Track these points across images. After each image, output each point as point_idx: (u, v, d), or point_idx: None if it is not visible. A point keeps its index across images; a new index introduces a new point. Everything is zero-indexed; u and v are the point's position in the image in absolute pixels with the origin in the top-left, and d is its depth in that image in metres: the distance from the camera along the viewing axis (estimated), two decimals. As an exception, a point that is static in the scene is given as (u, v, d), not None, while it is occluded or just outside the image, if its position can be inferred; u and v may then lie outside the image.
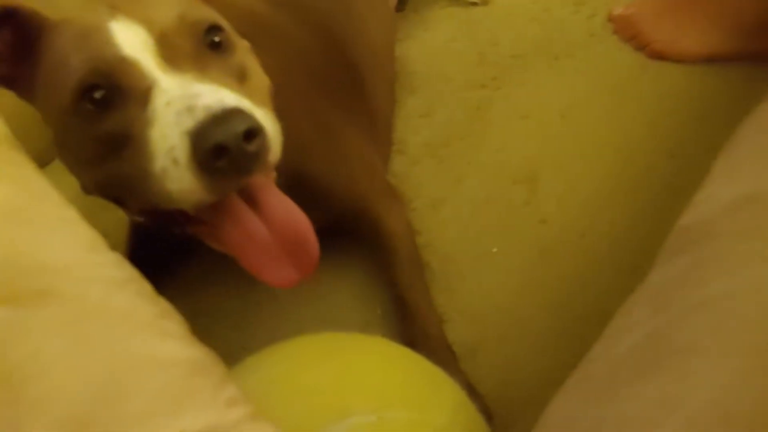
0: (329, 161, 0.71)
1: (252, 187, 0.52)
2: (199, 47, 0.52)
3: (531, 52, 0.98)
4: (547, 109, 0.91)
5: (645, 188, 0.80)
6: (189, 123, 0.45)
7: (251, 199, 0.52)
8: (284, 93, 0.58)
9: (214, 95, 0.46)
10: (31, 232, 0.35)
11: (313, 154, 0.69)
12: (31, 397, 0.29)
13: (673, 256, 0.43)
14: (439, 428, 0.48)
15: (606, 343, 0.42)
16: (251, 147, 0.46)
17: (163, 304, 0.38)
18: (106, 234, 0.45)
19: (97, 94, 0.49)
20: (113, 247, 0.43)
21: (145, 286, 0.38)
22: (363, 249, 0.79)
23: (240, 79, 0.53)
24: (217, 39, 0.53)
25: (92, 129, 0.50)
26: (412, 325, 0.70)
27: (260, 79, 0.57)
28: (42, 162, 0.49)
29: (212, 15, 0.55)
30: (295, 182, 0.56)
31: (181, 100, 0.46)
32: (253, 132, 0.46)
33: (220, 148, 0.44)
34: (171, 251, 0.77)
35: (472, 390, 0.65)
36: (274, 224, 0.51)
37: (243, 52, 0.56)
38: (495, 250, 0.78)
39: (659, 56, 0.92)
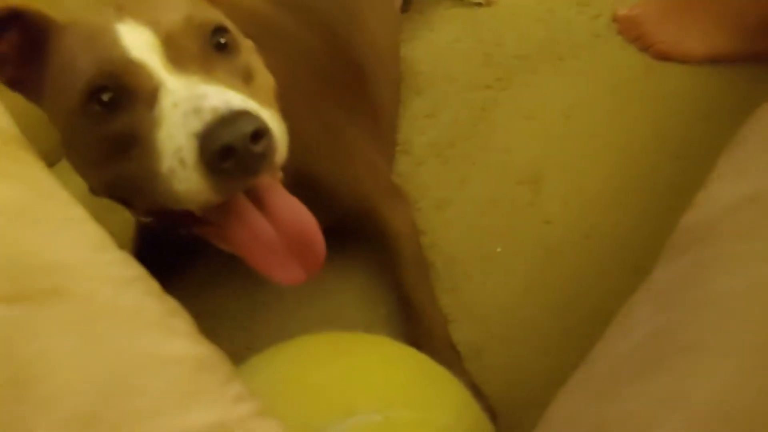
0: (334, 161, 0.71)
1: (258, 187, 0.52)
2: (206, 48, 0.52)
3: (536, 53, 0.98)
4: (552, 110, 0.91)
5: (649, 188, 0.80)
6: (196, 124, 0.45)
7: (257, 199, 0.52)
8: (289, 93, 0.59)
9: (221, 96, 0.47)
10: (40, 231, 0.36)
11: (318, 154, 0.69)
12: (40, 394, 0.29)
13: (675, 255, 0.43)
14: (443, 428, 0.48)
15: (609, 342, 0.42)
16: (258, 148, 0.46)
17: (170, 303, 0.38)
18: (112, 235, 0.45)
19: (105, 96, 0.49)
20: (119, 248, 0.43)
21: (153, 285, 0.39)
22: (368, 249, 0.79)
23: (246, 80, 0.54)
24: (223, 40, 0.53)
25: (100, 130, 0.50)
26: (416, 325, 0.71)
27: (266, 79, 0.57)
28: (48, 163, 0.49)
29: (218, 16, 0.55)
30: (300, 182, 0.56)
31: (188, 102, 0.47)
32: (260, 133, 0.46)
33: (227, 149, 0.45)
34: (177, 252, 0.77)
35: (476, 390, 0.66)
36: (280, 224, 0.51)
37: (248, 52, 0.57)
38: (499, 250, 0.79)
39: (664, 57, 0.92)
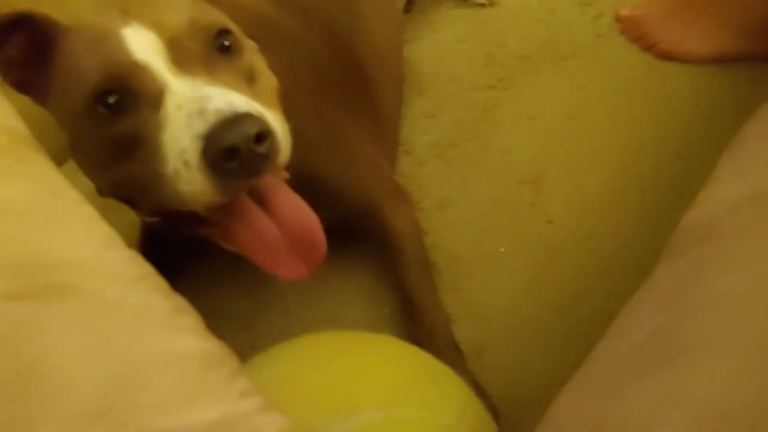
0: (336, 162, 0.72)
1: (262, 187, 0.52)
2: (209, 51, 0.52)
3: (538, 53, 0.98)
4: (554, 110, 0.91)
5: (651, 189, 0.81)
6: (200, 126, 0.46)
7: (261, 199, 0.52)
8: (292, 94, 0.59)
9: (224, 98, 0.47)
10: (49, 229, 0.36)
11: (320, 154, 0.69)
12: (47, 391, 0.30)
13: (676, 254, 0.44)
14: (446, 426, 0.49)
15: (610, 341, 0.42)
16: (261, 149, 0.46)
17: (177, 300, 0.39)
18: (117, 235, 0.46)
19: (111, 99, 0.50)
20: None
21: (160, 282, 0.39)
22: (371, 250, 0.79)
23: (249, 81, 0.54)
24: (226, 42, 0.54)
25: (105, 132, 0.51)
26: (419, 324, 0.71)
27: (269, 80, 0.57)
28: (55, 163, 0.50)
29: (222, 19, 0.56)
30: (303, 182, 0.56)
31: (192, 104, 0.47)
32: (263, 134, 0.46)
33: (231, 150, 0.45)
34: (181, 253, 0.78)
35: (479, 389, 0.66)
36: (283, 222, 0.52)
37: (251, 54, 0.57)
38: (502, 250, 0.79)
39: (666, 56, 0.92)
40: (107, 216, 0.47)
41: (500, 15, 1.05)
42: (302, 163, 0.55)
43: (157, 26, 0.51)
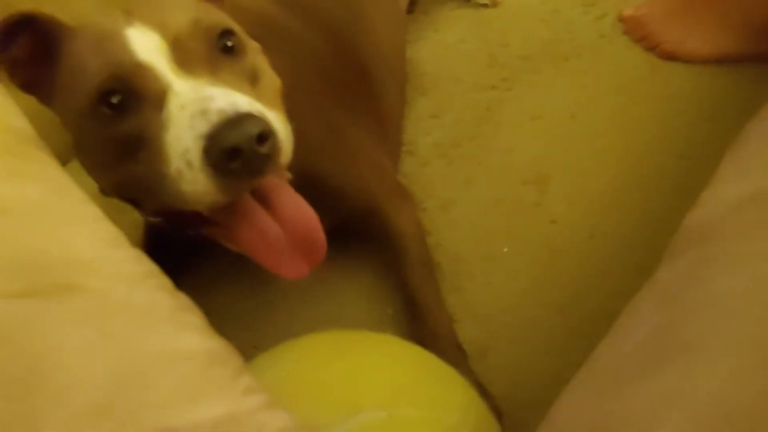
0: (338, 162, 0.72)
1: (264, 186, 0.53)
2: (212, 51, 0.53)
3: (540, 54, 0.98)
4: (557, 110, 0.91)
5: (655, 189, 0.81)
6: (203, 126, 0.46)
7: (263, 199, 0.53)
8: (294, 94, 0.59)
9: (227, 98, 0.47)
10: (55, 228, 0.36)
11: (323, 154, 0.69)
12: (56, 386, 0.30)
13: (678, 254, 0.44)
14: (449, 426, 0.49)
15: (612, 340, 0.42)
16: (263, 149, 0.47)
17: (181, 299, 0.39)
18: (121, 236, 0.46)
19: (114, 99, 0.50)
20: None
21: (165, 281, 0.39)
22: (374, 250, 0.79)
23: (252, 82, 0.54)
24: (229, 43, 0.54)
25: (109, 132, 0.51)
26: (422, 324, 0.71)
27: (271, 81, 0.58)
28: (60, 163, 0.50)
29: (225, 20, 0.56)
30: (305, 182, 0.56)
31: (195, 104, 0.47)
32: (265, 134, 0.47)
33: (234, 150, 0.45)
34: (185, 253, 0.78)
35: (482, 389, 0.66)
36: (285, 222, 0.52)
37: (254, 54, 0.57)
38: (506, 250, 0.79)
39: (669, 57, 0.92)
40: (111, 216, 0.47)
41: (503, 15, 1.05)
42: (305, 163, 0.56)
43: (160, 27, 0.51)
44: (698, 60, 0.90)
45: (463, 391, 0.54)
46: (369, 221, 0.74)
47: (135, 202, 0.58)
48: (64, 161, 0.55)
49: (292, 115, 0.55)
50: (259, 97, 0.51)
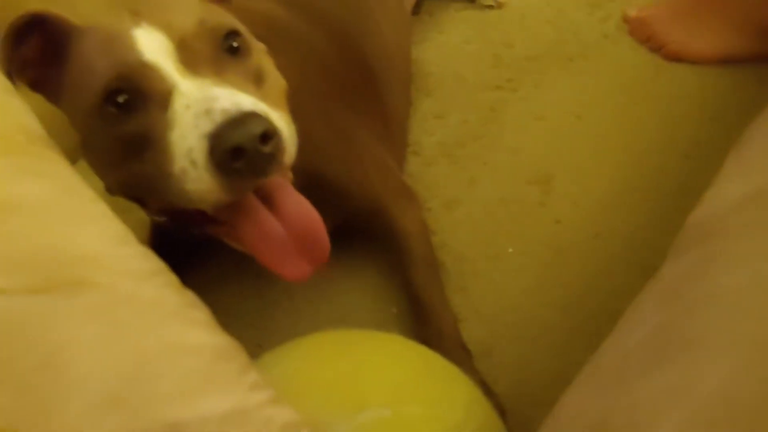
0: (343, 162, 0.72)
1: (268, 186, 0.53)
2: (218, 52, 0.53)
3: (545, 54, 0.98)
4: (562, 111, 0.91)
5: (659, 189, 0.81)
6: (207, 126, 0.46)
7: (267, 199, 0.53)
8: (299, 95, 0.59)
9: (231, 99, 0.48)
10: (66, 226, 0.37)
11: (328, 155, 0.70)
12: (69, 378, 0.31)
13: (682, 252, 0.44)
14: (453, 424, 0.49)
15: (616, 337, 0.42)
16: (267, 148, 0.47)
17: (188, 295, 0.40)
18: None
19: (121, 99, 0.50)
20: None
21: (172, 278, 0.40)
22: (378, 249, 0.80)
23: (257, 82, 0.55)
24: (235, 44, 0.54)
25: (115, 131, 0.52)
26: (426, 324, 0.71)
27: (277, 81, 0.58)
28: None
29: (231, 20, 0.56)
30: (310, 182, 0.57)
31: (200, 104, 0.48)
32: (269, 134, 0.47)
33: (237, 149, 0.46)
34: (190, 252, 0.78)
35: (486, 388, 0.66)
36: (289, 222, 0.52)
37: (260, 55, 0.58)
38: (510, 250, 0.79)
39: (675, 57, 0.92)
40: (116, 215, 0.48)
41: (508, 16, 1.05)
42: (310, 163, 0.56)
43: (166, 27, 0.52)
44: (703, 60, 0.90)
45: (467, 389, 0.54)
46: (374, 221, 0.75)
47: (140, 201, 0.58)
48: (71, 161, 0.56)
49: (297, 115, 0.56)
50: (263, 98, 0.52)
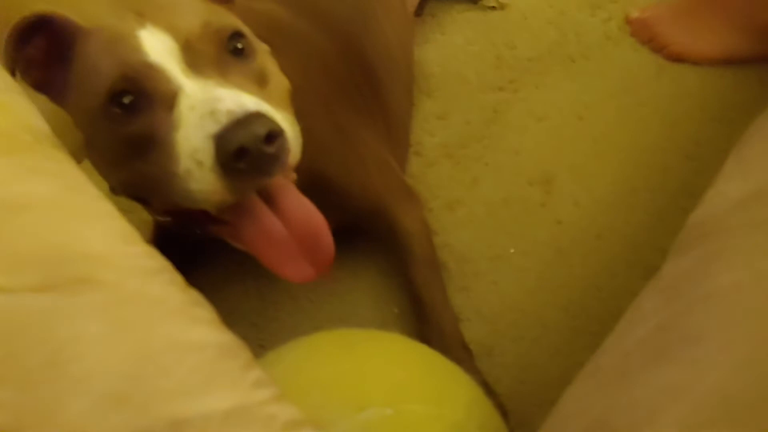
0: (345, 162, 0.72)
1: (271, 187, 0.53)
2: (222, 53, 0.53)
3: (547, 55, 0.99)
4: (564, 112, 0.91)
5: (661, 189, 0.81)
6: (212, 127, 0.47)
7: (270, 200, 0.53)
8: (302, 96, 0.60)
9: (236, 99, 0.48)
10: (72, 224, 0.37)
11: (330, 155, 0.70)
12: (75, 374, 0.31)
13: (683, 250, 0.44)
14: (454, 422, 0.49)
15: (617, 336, 0.43)
16: (271, 149, 0.47)
17: (193, 294, 0.40)
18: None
19: (126, 99, 0.51)
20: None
21: (177, 277, 0.40)
22: (380, 249, 0.80)
23: (260, 83, 0.55)
24: (239, 45, 0.55)
25: (120, 132, 0.52)
26: (428, 323, 0.71)
27: (280, 82, 0.58)
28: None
29: (235, 22, 0.57)
30: (313, 183, 0.57)
31: (205, 105, 0.48)
32: (273, 135, 0.47)
33: (242, 150, 0.46)
34: (193, 252, 0.79)
35: (487, 388, 0.66)
36: (292, 223, 0.52)
37: (264, 56, 0.58)
38: (512, 250, 0.79)
39: (677, 58, 0.92)
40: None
41: (510, 17, 1.05)
42: (312, 163, 0.56)
43: (171, 29, 0.52)
44: (705, 61, 0.90)
45: (468, 389, 0.55)
46: (375, 221, 0.75)
47: (144, 201, 0.58)
48: (76, 162, 0.56)
49: (300, 116, 0.56)
50: (267, 98, 0.52)
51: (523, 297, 0.75)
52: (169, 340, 0.34)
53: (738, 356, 0.32)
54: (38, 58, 0.56)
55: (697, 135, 0.84)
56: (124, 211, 0.50)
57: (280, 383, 0.41)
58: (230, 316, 0.51)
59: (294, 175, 0.56)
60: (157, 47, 0.51)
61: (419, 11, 1.06)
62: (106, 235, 0.38)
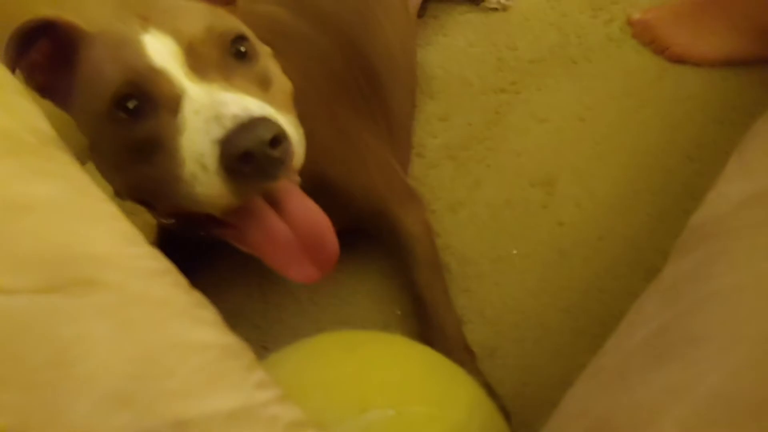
0: (348, 165, 0.73)
1: (275, 190, 0.53)
2: (225, 57, 0.54)
3: (549, 57, 0.99)
4: (566, 113, 0.91)
5: (663, 191, 0.81)
6: (217, 131, 0.47)
7: (275, 202, 0.54)
8: (305, 98, 0.60)
9: (240, 104, 0.48)
10: (77, 225, 0.38)
11: (333, 157, 0.70)
12: (80, 375, 0.32)
13: (684, 252, 0.44)
14: (456, 424, 0.49)
15: (619, 337, 0.43)
16: (276, 153, 0.47)
17: (196, 295, 0.40)
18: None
19: (130, 104, 0.51)
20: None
21: (180, 279, 0.41)
22: (383, 251, 0.80)
23: (264, 86, 0.55)
24: (242, 48, 0.55)
25: (125, 136, 0.52)
26: (430, 325, 0.72)
27: (283, 85, 0.58)
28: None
29: (238, 25, 0.57)
30: (316, 185, 0.57)
31: (209, 109, 0.48)
32: (278, 139, 0.48)
33: (247, 154, 0.46)
34: (196, 254, 0.79)
35: (489, 389, 0.66)
36: (296, 225, 0.53)
37: (266, 59, 0.58)
38: (514, 252, 0.79)
39: (679, 59, 0.92)
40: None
41: (512, 19, 1.05)
42: (314, 165, 0.57)
43: (175, 33, 0.52)
44: (707, 63, 0.90)
45: (470, 390, 0.55)
46: (378, 223, 0.75)
47: (149, 204, 0.59)
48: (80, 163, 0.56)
49: (303, 118, 0.56)
50: (271, 101, 0.52)
51: (525, 298, 0.75)
52: (172, 341, 0.34)
53: (739, 357, 0.32)
54: (42, 62, 0.57)
55: (698, 137, 0.84)
56: (128, 213, 0.51)
57: (282, 384, 0.41)
58: (233, 318, 0.51)
59: (298, 178, 0.56)
60: (161, 51, 0.51)
61: (421, 13, 1.06)
62: (110, 237, 0.39)
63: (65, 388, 0.31)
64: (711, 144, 0.83)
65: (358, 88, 0.79)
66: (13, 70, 0.54)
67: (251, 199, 0.52)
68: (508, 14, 1.07)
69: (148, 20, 0.53)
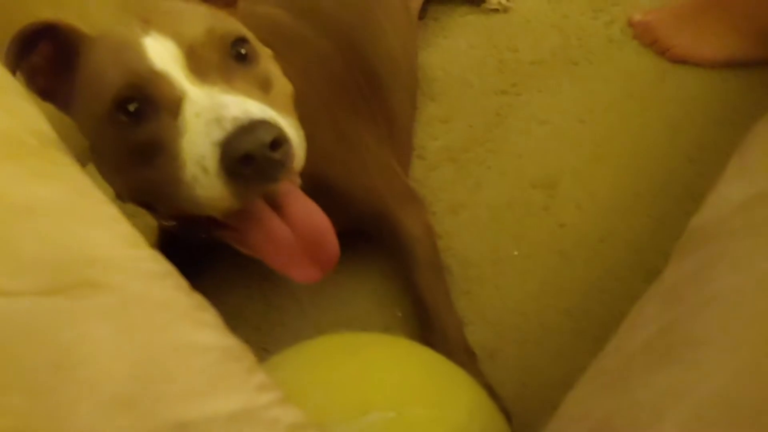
0: (349, 167, 0.73)
1: (276, 192, 0.54)
2: (226, 59, 0.54)
3: (550, 59, 0.99)
4: (567, 115, 0.91)
5: (664, 193, 0.81)
6: (218, 134, 0.47)
7: (275, 204, 0.54)
8: (306, 100, 0.60)
9: (241, 106, 0.48)
10: (78, 228, 0.38)
11: (334, 160, 0.70)
12: (81, 378, 0.32)
13: (685, 254, 0.44)
14: (458, 424, 0.49)
15: (620, 339, 0.43)
16: (276, 155, 0.48)
17: (197, 298, 0.40)
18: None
19: (131, 107, 0.51)
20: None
21: (181, 281, 0.41)
22: (384, 253, 0.80)
23: (264, 88, 0.56)
24: (243, 51, 0.55)
25: (126, 139, 0.52)
26: (431, 327, 0.72)
27: (284, 87, 0.59)
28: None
29: (239, 28, 0.57)
30: (316, 187, 0.57)
31: (210, 111, 0.48)
32: (279, 141, 0.48)
33: (248, 157, 0.46)
34: (197, 256, 0.79)
35: (491, 391, 0.66)
36: (297, 226, 0.53)
37: (267, 61, 0.58)
38: (515, 253, 0.79)
39: (679, 61, 0.92)
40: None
41: (512, 21, 1.06)
42: (315, 167, 0.57)
43: (176, 36, 0.52)
44: (708, 64, 0.90)
45: (471, 392, 0.55)
46: (379, 225, 0.75)
47: (150, 207, 0.59)
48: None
49: (304, 120, 0.56)
50: (271, 104, 0.52)
51: (526, 300, 0.75)
52: (174, 343, 0.34)
53: (740, 359, 0.32)
54: (43, 65, 0.57)
55: (700, 138, 0.84)
56: (129, 216, 0.51)
57: (283, 386, 0.41)
58: (234, 320, 0.51)
59: (299, 180, 0.56)
60: (162, 54, 0.51)
61: (422, 15, 1.06)
62: (111, 239, 0.39)
63: (67, 390, 0.31)
64: (712, 145, 0.83)
65: (358, 90, 0.80)
66: (14, 73, 0.55)
67: (252, 201, 0.52)
68: (509, 16, 1.07)
69: (148, 23, 0.53)
